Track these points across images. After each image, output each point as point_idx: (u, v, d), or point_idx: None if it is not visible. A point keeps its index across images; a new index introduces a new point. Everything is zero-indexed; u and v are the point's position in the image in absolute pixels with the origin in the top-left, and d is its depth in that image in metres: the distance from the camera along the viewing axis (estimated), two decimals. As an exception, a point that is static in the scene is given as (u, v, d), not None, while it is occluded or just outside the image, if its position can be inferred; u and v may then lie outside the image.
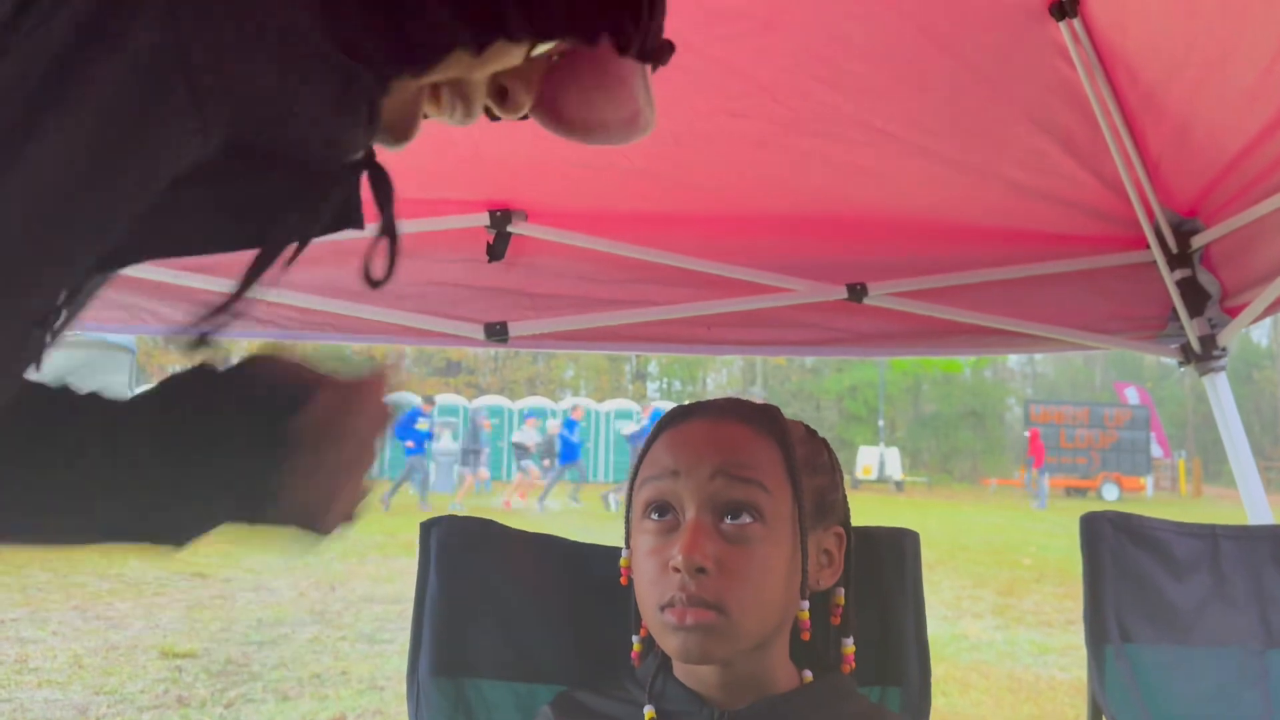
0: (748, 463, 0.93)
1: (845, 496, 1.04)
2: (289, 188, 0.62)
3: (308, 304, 2.10)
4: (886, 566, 1.16)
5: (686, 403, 1.02)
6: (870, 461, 27.94)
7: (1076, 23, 1.80)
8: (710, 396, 1.05)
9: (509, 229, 2.13)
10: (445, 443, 20.90)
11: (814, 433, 1.03)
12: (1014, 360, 46.63)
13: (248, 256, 0.66)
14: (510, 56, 0.63)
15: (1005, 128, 1.99)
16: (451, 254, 2.15)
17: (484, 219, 2.11)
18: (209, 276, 2.04)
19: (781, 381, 42.36)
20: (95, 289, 0.65)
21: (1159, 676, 1.32)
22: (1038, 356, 47.17)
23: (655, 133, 2.11)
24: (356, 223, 0.64)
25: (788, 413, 1.00)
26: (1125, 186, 2.07)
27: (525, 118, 0.72)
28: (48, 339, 0.60)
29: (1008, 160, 2.05)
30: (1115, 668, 1.30)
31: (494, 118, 0.72)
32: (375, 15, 0.56)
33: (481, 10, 0.56)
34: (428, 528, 1.15)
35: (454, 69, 0.61)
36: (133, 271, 2.02)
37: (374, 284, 0.67)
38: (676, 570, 0.88)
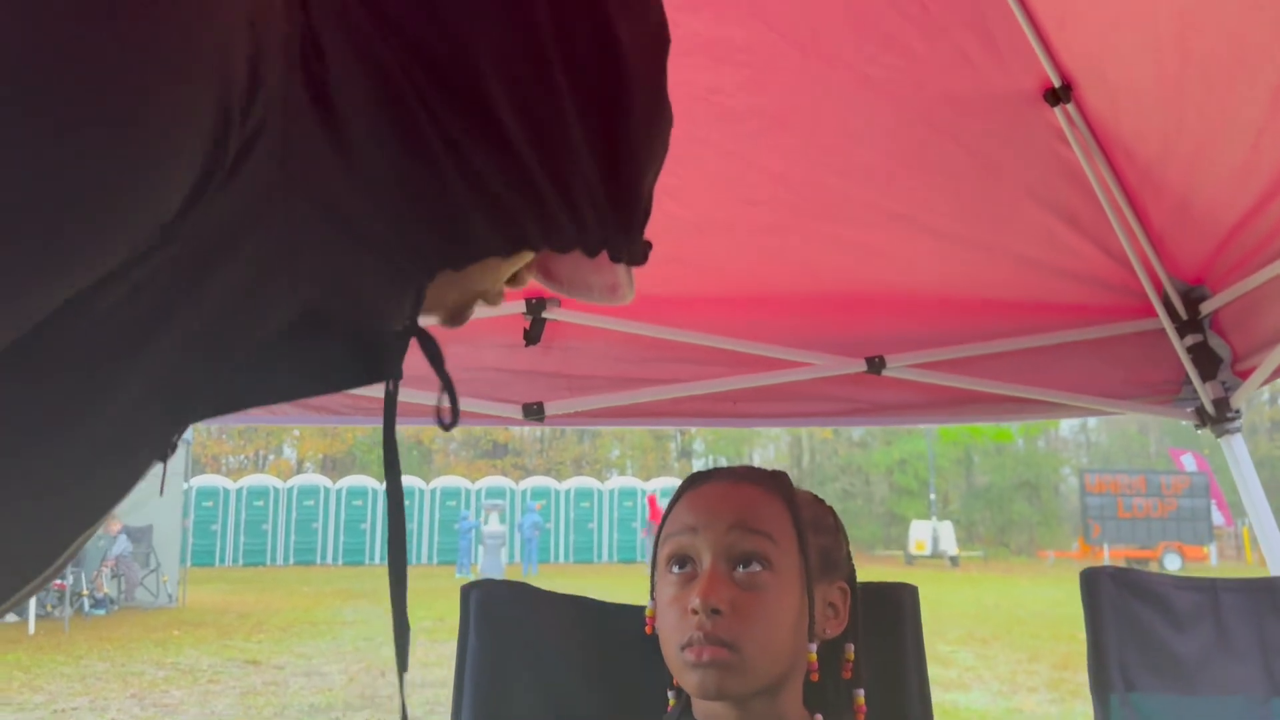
0: (759, 518, 1.04)
1: (850, 557, 1.13)
2: (343, 351, 0.81)
3: (357, 390, 2.24)
4: (887, 620, 1.24)
5: (704, 469, 1.13)
6: (923, 536, 27.30)
7: (1070, 108, 1.91)
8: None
9: (544, 315, 2.26)
10: (493, 525, 20.94)
11: (821, 500, 1.14)
12: (1066, 428, 45.74)
13: None
14: (527, 256, 0.79)
15: (1009, 207, 2.09)
16: (491, 340, 2.29)
17: (520, 306, 2.25)
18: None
19: (829, 455, 41.91)
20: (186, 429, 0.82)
21: (1165, 725, 1.37)
22: (1091, 424, 46.12)
23: (678, 222, 2.25)
24: (397, 374, 0.83)
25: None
26: (1130, 259, 2.16)
27: None
28: (159, 467, 0.76)
29: (1014, 237, 2.15)
30: (1121, 716, 1.35)
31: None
32: (430, 224, 0.71)
33: (513, 229, 0.71)
34: (467, 590, 1.25)
35: (486, 267, 0.77)
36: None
37: (445, 428, 0.85)
38: (695, 612, 0.99)
